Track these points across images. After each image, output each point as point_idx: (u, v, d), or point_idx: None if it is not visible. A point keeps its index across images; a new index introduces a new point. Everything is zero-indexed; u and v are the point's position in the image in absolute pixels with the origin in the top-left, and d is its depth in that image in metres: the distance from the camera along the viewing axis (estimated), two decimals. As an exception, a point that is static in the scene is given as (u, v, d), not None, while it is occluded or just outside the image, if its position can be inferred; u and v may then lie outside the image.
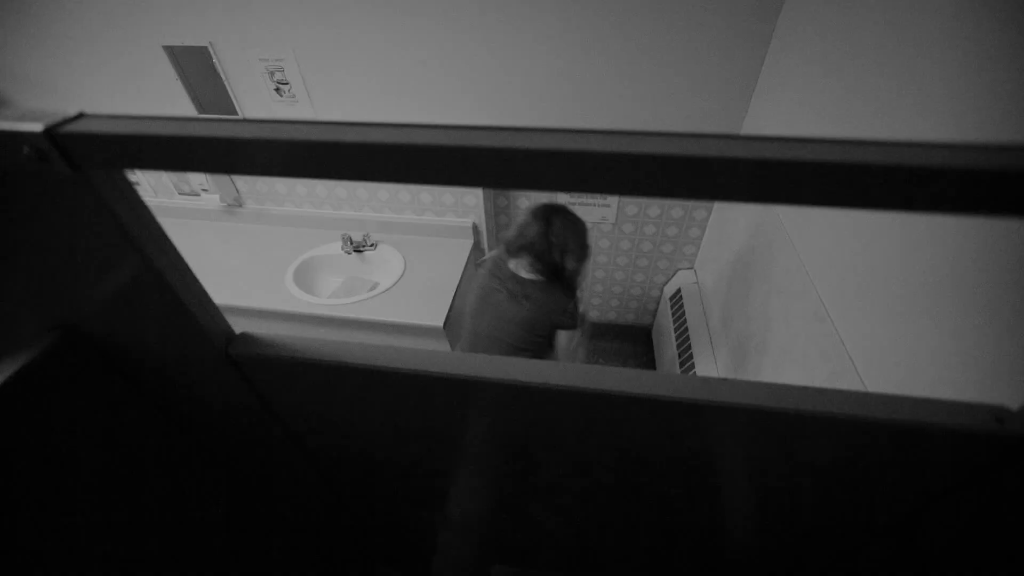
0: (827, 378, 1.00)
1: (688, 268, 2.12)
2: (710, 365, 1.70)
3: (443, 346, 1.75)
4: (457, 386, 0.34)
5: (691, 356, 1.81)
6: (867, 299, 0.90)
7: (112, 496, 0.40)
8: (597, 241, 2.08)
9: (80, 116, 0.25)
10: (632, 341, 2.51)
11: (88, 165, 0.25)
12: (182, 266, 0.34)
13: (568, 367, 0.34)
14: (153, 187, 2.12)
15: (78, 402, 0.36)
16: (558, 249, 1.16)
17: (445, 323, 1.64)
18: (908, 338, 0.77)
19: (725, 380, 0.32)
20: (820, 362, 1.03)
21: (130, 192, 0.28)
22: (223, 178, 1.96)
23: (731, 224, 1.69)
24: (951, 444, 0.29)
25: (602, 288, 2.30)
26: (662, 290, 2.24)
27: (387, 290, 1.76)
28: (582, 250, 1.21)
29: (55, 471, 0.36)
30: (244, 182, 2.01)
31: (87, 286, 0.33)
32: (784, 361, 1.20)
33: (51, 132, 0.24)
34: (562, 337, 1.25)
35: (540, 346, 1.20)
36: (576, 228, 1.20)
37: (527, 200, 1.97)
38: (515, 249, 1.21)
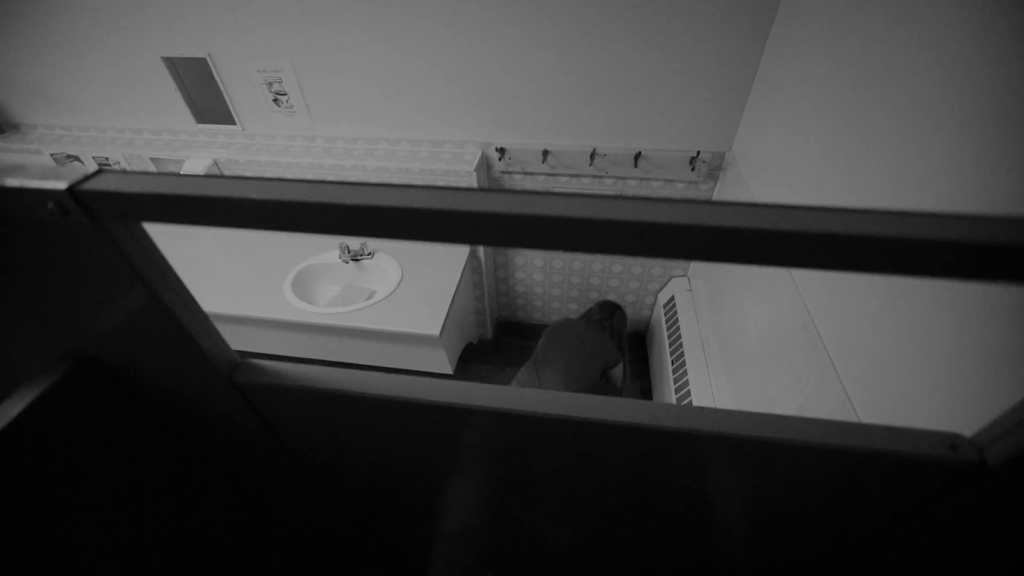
0: (815, 388, 1.02)
1: (682, 275, 2.15)
2: (702, 372, 1.72)
3: (439, 354, 1.77)
4: (452, 413, 0.36)
5: (684, 363, 1.83)
6: (852, 311, 0.92)
7: (121, 512, 0.42)
8: (592, 249, 2.10)
9: (99, 172, 0.27)
10: (627, 346, 2.53)
11: (106, 218, 0.27)
12: (189, 299, 0.35)
13: (556, 397, 0.36)
14: (151, 196, 2.13)
15: (92, 425, 0.38)
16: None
17: (441, 331, 1.66)
18: (890, 350, 0.80)
19: (693, 408, 0.34)
20: (809, 372, 1.05)
21: (144, 238, 0.30)
22: (221, 187, 1.98)
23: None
24: (909, 470, 0.31)
25: (597, 295, 2.32)
26: (656, 297, 2.26)
27: (384, 299, 1.78)
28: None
29: (71, 491, 0.38)
30: (242, 191, 2.03)
31: (100, 319, 0.35)
32: (774, 370, 1.23)
33: (73, 190, 0.26)
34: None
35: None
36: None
37: (523, 209, 2.00)
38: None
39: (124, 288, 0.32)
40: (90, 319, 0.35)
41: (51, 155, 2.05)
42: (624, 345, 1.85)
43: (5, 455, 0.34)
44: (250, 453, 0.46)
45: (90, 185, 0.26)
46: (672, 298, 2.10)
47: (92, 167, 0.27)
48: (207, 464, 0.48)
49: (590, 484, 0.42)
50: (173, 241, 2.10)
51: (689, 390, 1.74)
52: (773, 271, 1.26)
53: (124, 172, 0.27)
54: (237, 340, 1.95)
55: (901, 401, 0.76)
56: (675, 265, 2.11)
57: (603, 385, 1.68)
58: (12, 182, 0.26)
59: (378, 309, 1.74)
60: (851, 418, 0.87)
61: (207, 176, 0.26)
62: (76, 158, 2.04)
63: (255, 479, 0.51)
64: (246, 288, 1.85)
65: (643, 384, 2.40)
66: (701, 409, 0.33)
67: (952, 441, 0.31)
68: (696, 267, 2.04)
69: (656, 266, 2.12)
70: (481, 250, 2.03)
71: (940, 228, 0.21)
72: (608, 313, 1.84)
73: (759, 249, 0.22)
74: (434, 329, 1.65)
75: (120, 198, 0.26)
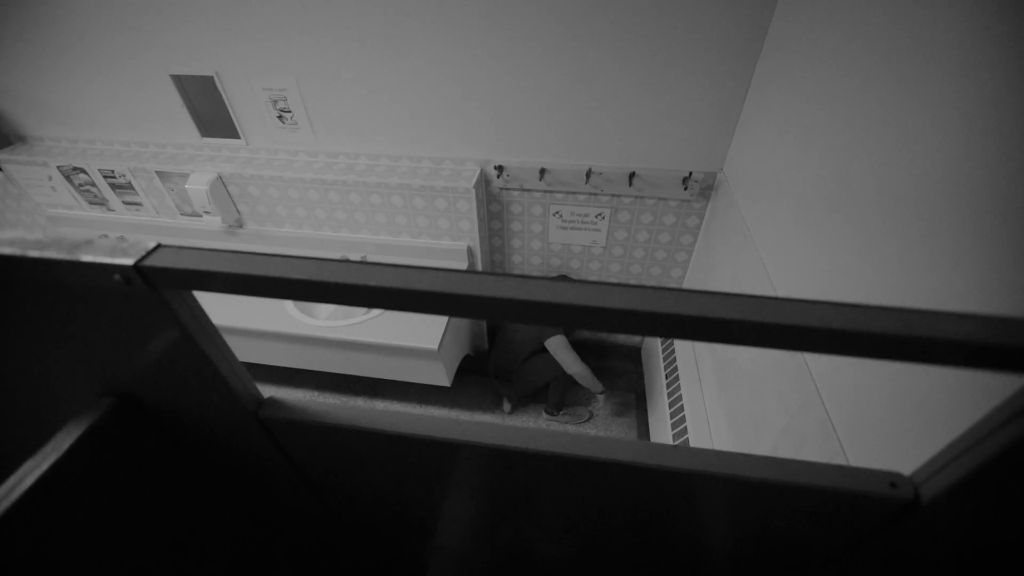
0: (799, 409, 1.07)
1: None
2: (695, 387, 1.77)
3: (437, 367, 1.81)
4: (459, 449, 0.40)
5: (677, 378, 1.88)
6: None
7: (153, 536, 0.46)
8: (587, 263, 2.15)
9: (158, 248, 0.31)
10: (621, 359, 2.58)
11: (162, 287, 0.31)
12: (222, 345, 0.40)
13: (562, 436, 0.40)
14: (156, 208, 2.17)
15: (130, 456, 0.42)
16: None
17: (439, 346, 1.70)
18: (870, 374, 0.84)
19: (658, 444, 0.39)
20: (792, 393, 1.10)
21: (192, 301, 0.35)
22: (225, 200, 2.02)
23: (716, 251, 1.77)
24: (854, 506, 0.35)
25: (593, 308, 2.37)
26: (651, 310, 2.31)
27: (383, 313, 1.82)
28: None
29: (111, 515, 0.42)
30: (246, 204, 2.07)
31: (141, 362, 0.39)
32: (762, 389, 1.27)
33: (138, 265, 0.30)
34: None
35: None
36: None
37: (520, 224, 2.05)
38: None
39: (168, 339, 0.36)
40: (132, 362, 0.40)
41: (58, 167, 2.08)
42: None
43: (59, 482, 0.38)
44: (270, 480, 0.50)
45: (151, 261, 0.30)
46: (666, 312, 2.15)
47: (151, 243, 0.32)
48: (229, 490, 0.53)
49: (565, 511, 0.46)
50: (177, 252, 2.13)
51: (683, 404, 1.78)
52: (763, 293, 1.31)
53: (180, 248, 0.31)
54: (241, 352, 1.99)
55: (879, 423, 0.81)
56: (669, 279, 2.16)
57: (543, 357, 2.04)
58: (87, 257, 0.30)
59: (377, 323, 1.78)
60: (831, 438, 0.92)
61: (251, 254, 0.30)
62: (82, 170, 2.08)
63: (272, 503, 0.55)
64: (248, 300, 1.89)
65: (638, 394, 2.44)
66: (666, 446, 0.38)
67: (893, 479, 0.35)
68: (690, 282, 2.09)
69: (650, 280, 2.17)
70: (479, 262, 2.08)
71: (903, 324, 0.25)
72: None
73: (726, 333, 0.27)
74: (432, 343, 1.69)
75: (176, 273, 0.30)
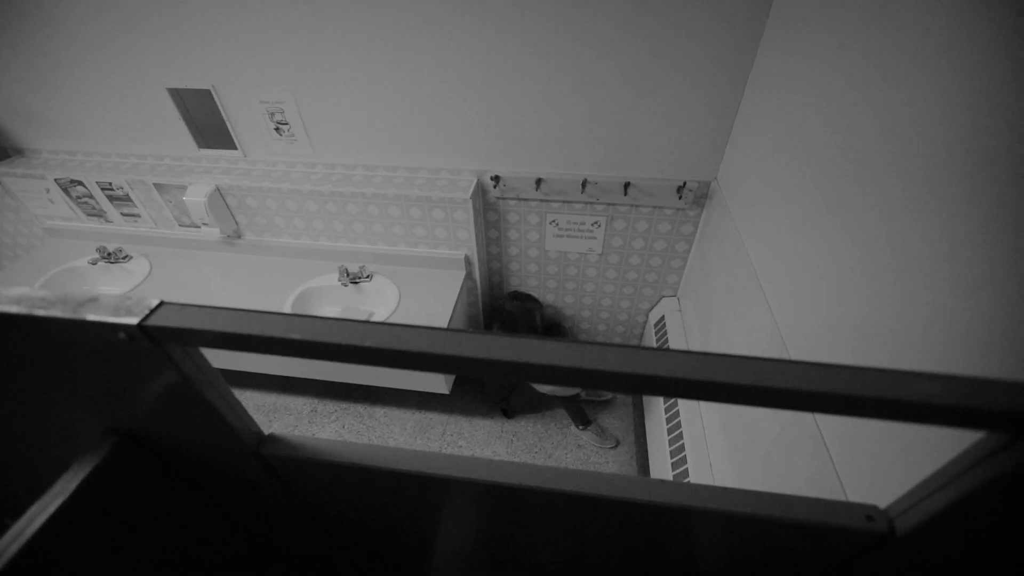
0: (790, 418, 1.08)
1: (672, 296, 2.21)
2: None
3: (436, 376, 1.82)
4: (461, 486, 0.41)
5: (674, 383, 1.89)
6: (827, 353, 0.98)
7: (159, 569, 0.47)
8: (584, 270, 2.17)
9: (161, 305, 0.33)
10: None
11: (165, 343, 0.33)
12: (222, 387, 0.41)
13: (568, 474, 0.41)
14: (154, 219, 2.18)
15: (135, 493, 0.44)
16: None
17: (438, 355, 1.71)
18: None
19: (639, 478, 0.40)
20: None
21: (195, 353, 0.36)
22: (223, 211, 2.03)
23: (711, 258, 1.79)
24: (832, 538, 0.37)
25: (590, 313, 2.38)
26: (647, 315, 2.33)
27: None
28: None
29: (118, 550, 0.43)
30: (243, 215, 2.08)
31: (144, 405, 0.41)
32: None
33: (142, 324, 0.31)
34: None
35: None
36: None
37: (516, 232, 2.06)
38: None
39: (170, 384, 0.38)
40: (135, 404, 0.41)
41: (55, 180, 2.09)
42: (537, 324, 2.19)
43: (67, 522, 0.39)
44: (273, 511, 0.51)
45: (155, 320, 0.32)
46: (663, 318, 2.16)
47: (154, 301, 0.33)
48: (234, 521, 0.54)
49: (555, 542, 0.48)
50: (172, 262, 2.14)
51: (678, 410, 1.80)
52: (754, 306, 1.32)
53: (182, 307, 0.32)
54: (240, 362, 2.00)
55: (868, 435, 0.82)
56: (665, 285, 2.18)
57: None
58: (92, 316, 0.32)
59: (377, 332, 1.79)
60: (821, 452, 0.93)
61: (253, 313, 0.32)
62: (80, 183, 2.09)
63: (276, 533, 0.56)
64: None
65: (635, 400, 2.46)
66: (648, 480, 0.39)
67: (869, 512, 0.37)
68: (685, 288, 2.11)
69: (647, 286, 2.19)
70: (477, 270, 2.09)
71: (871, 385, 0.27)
72: (522, 300, 2.18)
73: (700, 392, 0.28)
74: (431, 353, 1.70)
75: (179, 331, 0.31)
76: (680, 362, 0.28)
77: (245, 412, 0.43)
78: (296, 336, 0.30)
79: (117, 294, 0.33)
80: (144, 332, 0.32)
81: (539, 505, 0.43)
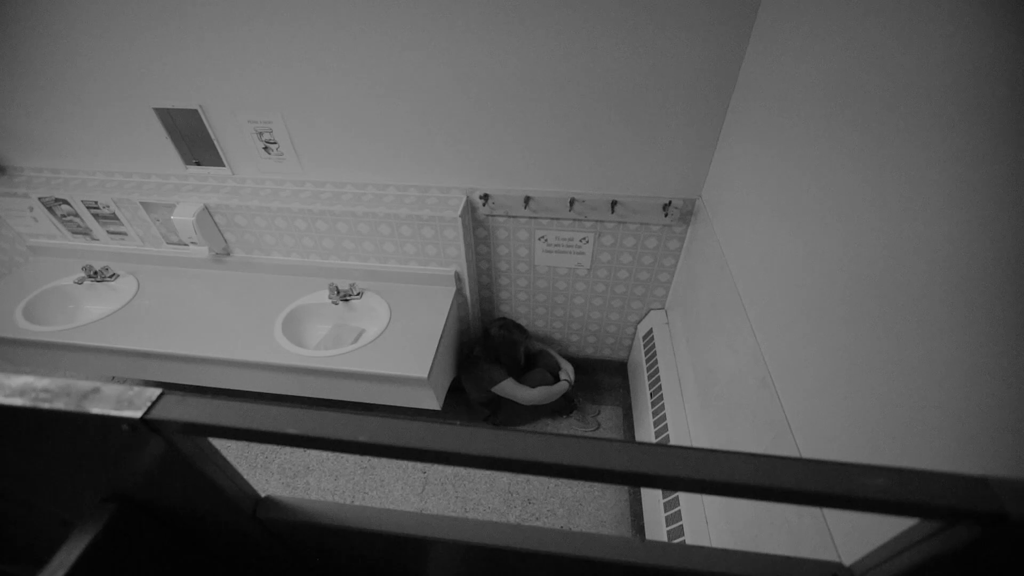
0: (771, 441, 1.12)
1: (660, 308, 2.25)
2: (679, 406, 1.82)
3: (427, 393, 1.83)
4: (457, 548, 0.43)
5: (661, 395, 1.93)
6: (808, 371, 1.02)
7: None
8: (573, 284, 2.20)
9: (162, 395, 0.34)
10: (609, 374, 2.63)
11: (166, 432, 0.34)
12: (217, 457, 0.43)
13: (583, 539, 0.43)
14: (141, 237, 2.16)
15: (134, 557, 0.45)
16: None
17: (429, 373, 1.72)
18: (841, 413, 0.89)
19: (621, 538, 0.42)
20: (766, 427, 1.15)
21: (197, 438, 0.38)
22: (212, 230, 2.02)
23: (696, 273, 1.83)
24: (800, 596, 0.40)
25: (579, 326, 2.41)
26: (636, 327, 2.36)
27: (372, 341, 1.84)
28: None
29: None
30: (232, 233, 2.07)
31: (143, 475, 0.42)
32: (739, 416, 1.32)
33: (145, 418, 0.33)
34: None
35: None
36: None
37: (506, 248, 2.08)
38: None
39: (168, 461, 0.39)
40: (134, 475, 0.42)
41: (39, 199, 2.07)
42: (519, 356, 2.25)
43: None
44: (274, 571, 0.52)
45: (157, 413, 0.33)
46: (651, 330, 2.20)
47: (155, 392, 0.34)
48: None
49: None
50: (160, 280, 2.13)
51: (667, 424, 1.83)
52: (738, 325, 1.36)
53: (183, 397, 0.34)
54: (229, 380, 1.99)
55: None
56: (653, 298, 2.21)
57: (495, 397, 2.17)
58: (95, 410, 0.33)
59: (367, 351, 1.80)
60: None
61: (254, 405, 0.33)
62: (65, 201, 2.07)
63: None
64: (238, 330, 1.89)
65: (625, 407, 2.49)
66: (620, 539, 0.41)
67: (835, 570, 0.39)
68: (672, 301, 2.14)
69: (635, 300, 2.22)
70: (467, 286, 2.11)
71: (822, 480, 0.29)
72: (508, 330, 2.21)
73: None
74: (422, 371, 1.72)
75: (180, 424, 0.33)
76: (634, 456, 0.30)
77: (240, 477, 0.45)
78: (293, 431, 0.31)
79: (114, 388, 0.34)
80: (147, 424, 0.33)
81: (546, 569, 0.45)
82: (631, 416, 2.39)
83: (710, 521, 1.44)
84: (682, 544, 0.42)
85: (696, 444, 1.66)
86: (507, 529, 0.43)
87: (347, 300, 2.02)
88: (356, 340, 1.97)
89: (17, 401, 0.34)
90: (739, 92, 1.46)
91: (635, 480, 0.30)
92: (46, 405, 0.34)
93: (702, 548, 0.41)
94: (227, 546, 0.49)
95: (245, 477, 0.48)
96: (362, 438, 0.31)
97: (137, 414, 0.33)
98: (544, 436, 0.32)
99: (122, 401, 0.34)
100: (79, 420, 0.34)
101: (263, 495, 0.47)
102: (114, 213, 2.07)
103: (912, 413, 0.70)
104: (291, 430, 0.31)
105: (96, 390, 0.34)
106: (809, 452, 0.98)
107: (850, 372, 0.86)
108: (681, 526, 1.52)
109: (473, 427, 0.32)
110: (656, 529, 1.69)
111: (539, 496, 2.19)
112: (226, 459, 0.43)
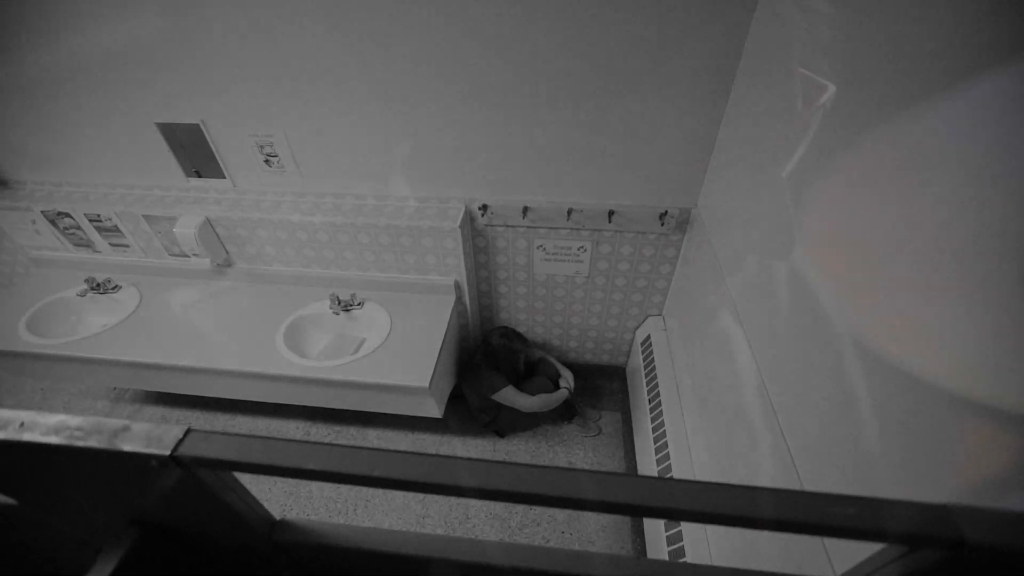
0: (769, 448, 1.14)
1: (657, 315, 2.28)
2: (676, 411, 1.85)
3: (428, 401, 1.85)
4: (472, 569, 0.45)
5: (659, 402, 1.95)
6: (799, 383, 1.04)
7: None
8: (572, 292, 2.22)
9: (188, 434, 0.37)
10: (608, 379, 2.66)
11: (192, 467, 0.37)
12: (240, 489, 0.45)
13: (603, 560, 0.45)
14: (143, 249, 2.18)
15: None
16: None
17: (430, 383, 1.75)
18: (836, 426, 0.92)
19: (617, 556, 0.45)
20: (763, 432, 1.18)
21: (221, 472, 0.40)
22: (214, 241, 2.05)
23: (692, 282, 1.85)
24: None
25: (578, 332, 2.44)
26: (634, 334, 2.39)
27: (373, 351, 1.86)
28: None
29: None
30: (234, 244, 2.10)
31: (167, 502, 0.45)
32: (736, 424, 1.35)
33: (173, 455, 0.35)
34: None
35: None
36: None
37: (505, 257, 2.11)
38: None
39: (191, 490, 0.42)
40: (158, 504, 0.45)
41: (42, 212, 2.09)
42: (519, 365, 2.30)
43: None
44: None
45: (184, 450, 0.36)
46: (648, 337, 2.23)
47: (181, 430, 0.37)
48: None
49: None
50: (162, 291, 2.15)
51: (665, 429, 1.86)
52: (733, 332, 1.39)
53: (208, 434, 0.36)
54: (231, 390, 2.01)
55: (841, 470, 0.88)
56: (651, 305, 2.24)
57: (495, 404, 2.20)
58: (127, 447, 0.36)
59: (368, 361, 1.83)
60: (795, 486, 0.99)
61: (275, 441, 0.36)
62: (68, 215, 2.09)
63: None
64: (240, 341, 1.92)
65: (624, 413, 2.52)
66: (625, 558, 0.44)
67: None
68: (670, 307, 2.17)
69: (633, 306, 2.25)
70: (467, 295, 2.13)
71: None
72: (508, 339, 2.24)
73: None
74: (423, 381, 1.74)
75: (206, 460, 0.36)
76: (625, 487, 0.33)
77: (256, 501, 0.47)
78: (312, 467, 0.34)
79: (142, 427, 0.37)
80: (175, 461, 0.36)
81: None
82: (630, 421, 2.41)
83: (707, 526, 1.47)
84: (683, 563, 0.45)
85: (693, 449, 1.68)
86: (539, 552, 0.46)
87: (348, 310, 2.04)
88: (357, 350, 2.00)
89: (53, 439, 0.36)
90: (732, 105, 1.49)
91: (617, 509, 0.33)
92: (80, 443, 0.36)
93: (697, 566, 0.43)
94: (244, 567, 0.51)
95: (252, 487, 0.51)
96: (376, 472, 0.33)
97: (166, 452, 0.35)
98: (562, 471, 0.34)
99: (151, 439, 0.36)
100: (110, 457, 0.36)
101: (278, 518, 0.49)
102: (116, 226, 2.09)
103: (903, 415, 0.73)
104: (311, 466, 0.34)
105: (126, 428, 0.37)
106: (801, 459, 1.00)
107: (842, 382, 0.88)
108: (680, 532, 1.55)
109: (473, 461, 0.35)
110: (656, 528, 1.72)
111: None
112: (244, 486, 0.46)
